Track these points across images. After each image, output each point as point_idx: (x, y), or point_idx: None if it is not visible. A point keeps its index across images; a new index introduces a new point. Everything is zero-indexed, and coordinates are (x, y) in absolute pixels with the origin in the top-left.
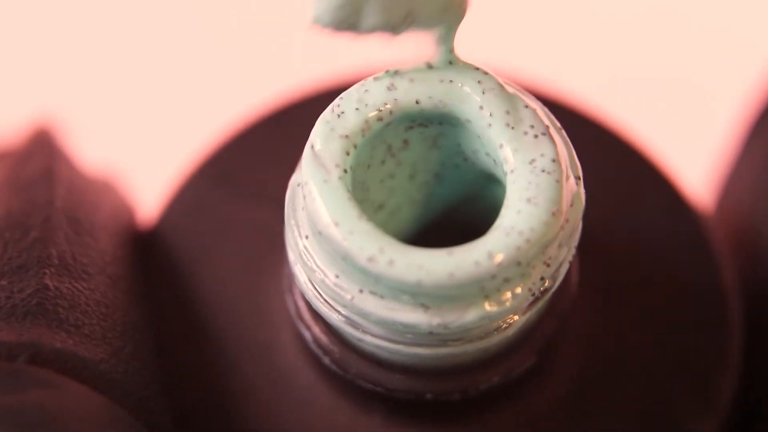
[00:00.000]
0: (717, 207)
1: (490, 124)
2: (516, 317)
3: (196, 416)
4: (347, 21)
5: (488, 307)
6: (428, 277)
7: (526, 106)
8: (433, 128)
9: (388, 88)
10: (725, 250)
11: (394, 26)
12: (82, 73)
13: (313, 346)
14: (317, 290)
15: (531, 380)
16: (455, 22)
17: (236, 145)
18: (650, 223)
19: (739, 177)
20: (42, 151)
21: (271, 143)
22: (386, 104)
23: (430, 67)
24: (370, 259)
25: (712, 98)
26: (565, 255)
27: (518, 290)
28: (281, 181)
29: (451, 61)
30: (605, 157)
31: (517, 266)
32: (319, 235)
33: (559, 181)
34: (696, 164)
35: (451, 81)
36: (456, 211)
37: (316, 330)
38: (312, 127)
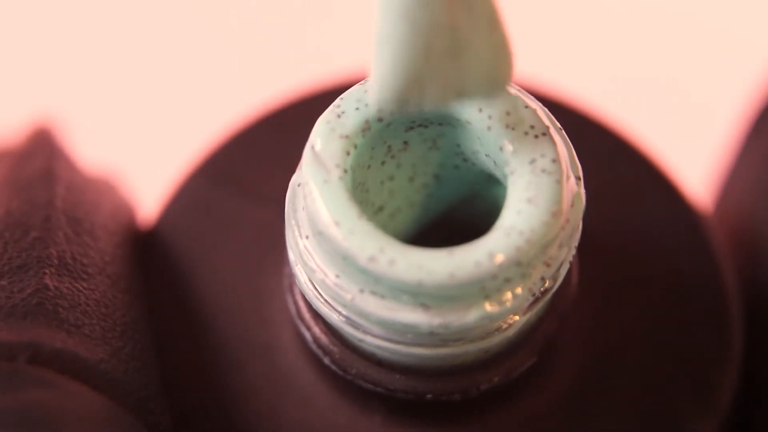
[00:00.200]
0: (717, 207)
1: (489, 126)
2: (516, 317)
3: (196, 416)
4: (406, 106)
5: (489, 307)
6: (429, 278)
7: (526, 107)
8: (432, 129)
9: None
10: (725, 250)
11: (448, 102)
12: (82, 72)
13: (313, 346)
14: (317, 290)
15: (531, 380)
16: (501, 93)
17: (236, 144)
18: (650, 224)
19: (738, 177)
20: (42, 151)
21: (271, 143)
22: None
23: None
24: (371, 259)
25: (711, 98)
26: (566, 255)
27: (519, 290)
28: (281, 181)
29: None
30: (605, 157)
31: (518, 266)
32: (320, 235)
33: (559, 182)
34: (696, 164)
35: None
36: (456, 212)
37: (316, 330)
38: (312, 128)
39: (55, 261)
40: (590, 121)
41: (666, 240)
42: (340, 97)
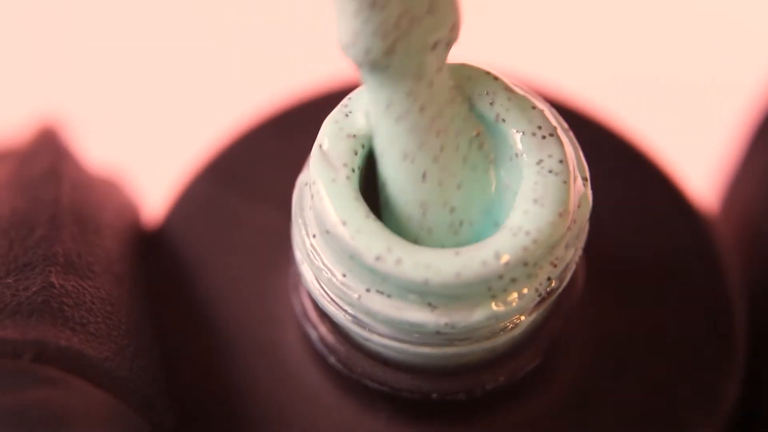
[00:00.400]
0: (722, 208)
1: (497, 125)
2: (522, 317)
3: (201, 415)
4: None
5: (495, 307)
6: (435, 277)
7: (534, 107)
8: None
9: None
10: (730, 252)
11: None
12: (87, 72)
13: (319, 345)
14: (324, 289)
15: (537, 380)
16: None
17: (242, 145)
18: (655, 225)
19: (744, 178)
20: (47, 150)
21: (277, 143)
22: None
23: None
24: (378, 258)
25: (717, 99)
26: (572, 256)
27: (525, 290)
28: (287, 181)
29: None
30: (610, 158)
31: (524, 266)
32: (327, 234)
33: (566, 182)
34: (701, 166)
35: (468, 78)
36: None
37: (322, 329)
38: (318, 128)
39: (61, 259)
40: (594, 123)
41: (671, 242)
42: (348, 96)
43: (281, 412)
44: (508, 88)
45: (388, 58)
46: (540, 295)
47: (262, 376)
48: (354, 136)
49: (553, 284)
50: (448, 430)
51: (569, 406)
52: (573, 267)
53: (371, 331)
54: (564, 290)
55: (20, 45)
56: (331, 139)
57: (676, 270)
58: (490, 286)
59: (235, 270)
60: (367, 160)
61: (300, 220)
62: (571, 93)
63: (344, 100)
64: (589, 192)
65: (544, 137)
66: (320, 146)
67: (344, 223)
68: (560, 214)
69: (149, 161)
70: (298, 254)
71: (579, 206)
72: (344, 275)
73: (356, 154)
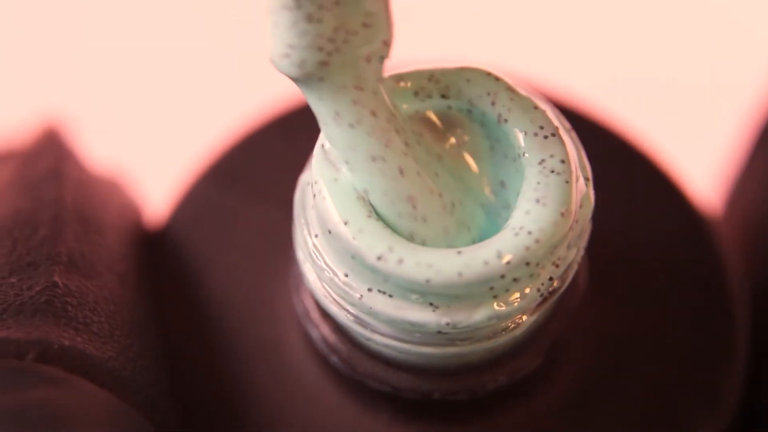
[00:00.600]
0: (725, 209)
1: (499, 125)
2: (524, 317)
3: (203, 414)
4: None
5: (497, 306)
6: (437, 276)
7: (536, 108)
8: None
9: None
10: (733, 252)
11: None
12: (90, 72)
13: (321, 345)
14: (326, 289)
15: (538, 380)
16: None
17: (245, 145)
18: (657, 226)
19: (747, 179)
20: (50, 150)
21: (279, 144)
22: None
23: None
24: (380, 258)
25: (720, 100)
26: (574, 256)
27: (527, 290)
28: (289, 181)
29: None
30: (612, 159)
31: (526, 266)
32: (329, 233)
33: (568, 182)
34: (704, 166)
35: (467, 81)
36: None
37: (324, 329)
38: (320, 129)
39: (64, 259)
40: (596, 124)
41: (673, 242)
42: None
43: (283, 412)
44: (510, 89)
45: (323, 70)
46: (542, 295)
47: (263, 375)
48: None
49: (555, 284)
50: (449, 430)
51: (571, 405)
52: (575, 267)
53: (373, 330)
54: (566, 290)
55: (23, 45)
56: None
57: (678, 271)
58: (492, 285)
59: (237, 270)
60: None
61: (302, 220)
62: (575, 94)
63: None
64: (592, 192)
65: (546, 137)
66: (322, 146)
67: (346, 223)
68: (562, 214)
69: (152, 161)
70: (300, 254)
71: (581, 206)
72: (346, 275)
73: None
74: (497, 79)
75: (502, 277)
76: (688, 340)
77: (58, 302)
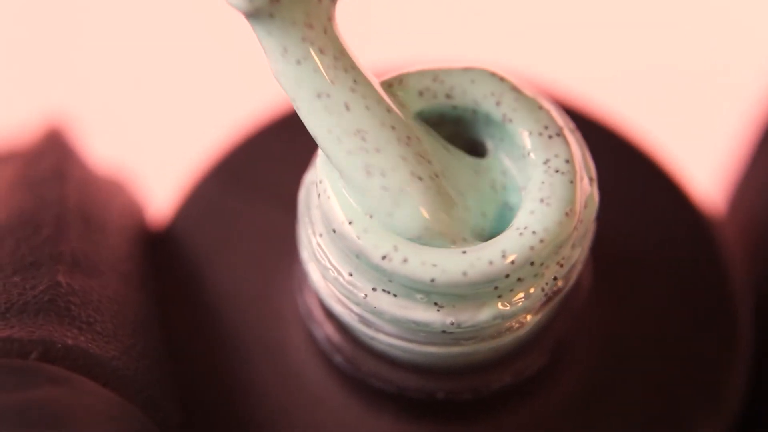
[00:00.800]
0: (730, 209)
1: (504, 125)
2: (528, 317)
3: (206, 413)
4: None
5: (501, 306)
6: (442, 276)
7: (541, 107)
8: (447, 128)
9: None
10: (736, 252)
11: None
12: (93, 72)
13: (325, 345)
14: (330, 288)
15: (542, 380)
16: None
17: (248, 145)
18: (661, 226)
19: (750, 180)
20: (53, 150)
21: (282, 144)
22: None
23: None
24: (384, 257)
25: (724, 101)
26: (579, 256)
27: (531, 290)
28: (292, 182)
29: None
30: (617, 159)
31: (531, 266)
32: (333, 233)
33: (573, 182)
34: (708, 167)
35: (471, 81)
36: None
37: (328, 328)
38: None
39: (68, 258)
40: (600, 124)
41: (676, 243)
42: None
43: (286, 411)
44: (515, 89)
45: (273, 5)
46: (546, 294)
47: (267, 375)
48: None
49: (559, 284)
50: (453, 429)
51: (575, 405)
52: (579, 267)
53: (377, 330)
54: (570, 290)
55: (26, 45)
56: None
57: (682, 271)
58: (497, 285)
59: (240, 270)
60: None
61: (306, 219)
62: (579, 94)
63: None
64: (596, 192)
65: (550, 137)
66: None
67: (351, 222)
68: (567, 214)
69: (155, 161)
70: (305, 253)
71: (585, 206)
72: (351, 274)
73: None
74: (502, 79)
75: (507, 276)
76: (691, 340)
77: (62, 301)
